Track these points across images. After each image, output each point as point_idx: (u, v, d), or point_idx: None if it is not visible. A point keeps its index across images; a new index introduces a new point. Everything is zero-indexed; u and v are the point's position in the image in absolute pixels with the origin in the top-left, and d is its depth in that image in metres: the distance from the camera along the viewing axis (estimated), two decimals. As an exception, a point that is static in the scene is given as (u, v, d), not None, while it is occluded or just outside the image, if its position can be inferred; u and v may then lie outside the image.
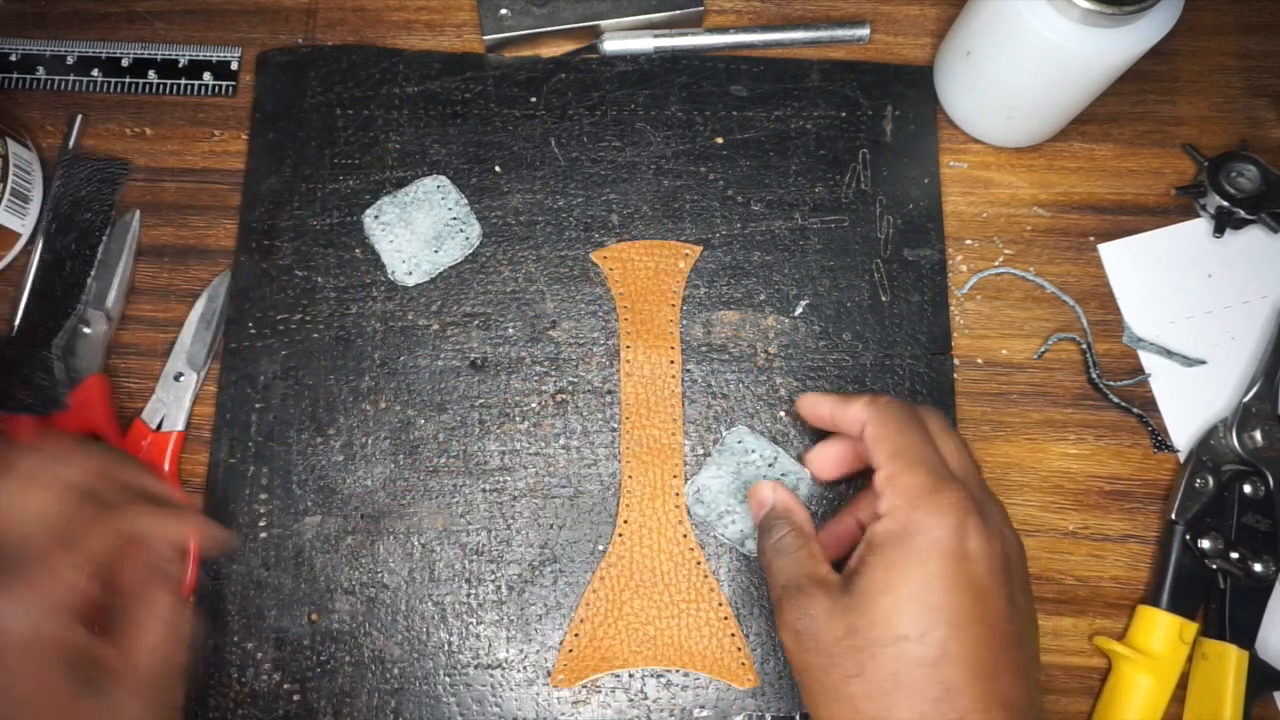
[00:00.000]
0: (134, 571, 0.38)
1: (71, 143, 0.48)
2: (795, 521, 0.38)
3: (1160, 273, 0.48)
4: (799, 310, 0.47)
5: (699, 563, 0.43)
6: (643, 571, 0.43)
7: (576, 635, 0.42)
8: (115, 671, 0.35)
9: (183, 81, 0.49)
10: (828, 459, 0.42)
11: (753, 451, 0.44)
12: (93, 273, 0.45)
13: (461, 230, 0.46)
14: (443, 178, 0.47)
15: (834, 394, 0.41)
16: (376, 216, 0.47)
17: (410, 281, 0.46)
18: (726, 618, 0.43)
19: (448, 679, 0.42)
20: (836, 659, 0.33)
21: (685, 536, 0.43)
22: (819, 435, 0.45)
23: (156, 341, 0.46)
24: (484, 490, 0.44)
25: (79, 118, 0.48)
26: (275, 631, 0.43)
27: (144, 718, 0.36)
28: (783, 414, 0.45)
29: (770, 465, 0.44)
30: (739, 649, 0.42)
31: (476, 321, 0.46)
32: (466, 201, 0.47)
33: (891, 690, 0.32)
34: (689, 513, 0.44)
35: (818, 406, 0.41)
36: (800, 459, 0.44)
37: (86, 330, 0.45)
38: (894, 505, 0.34)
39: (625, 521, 0.43)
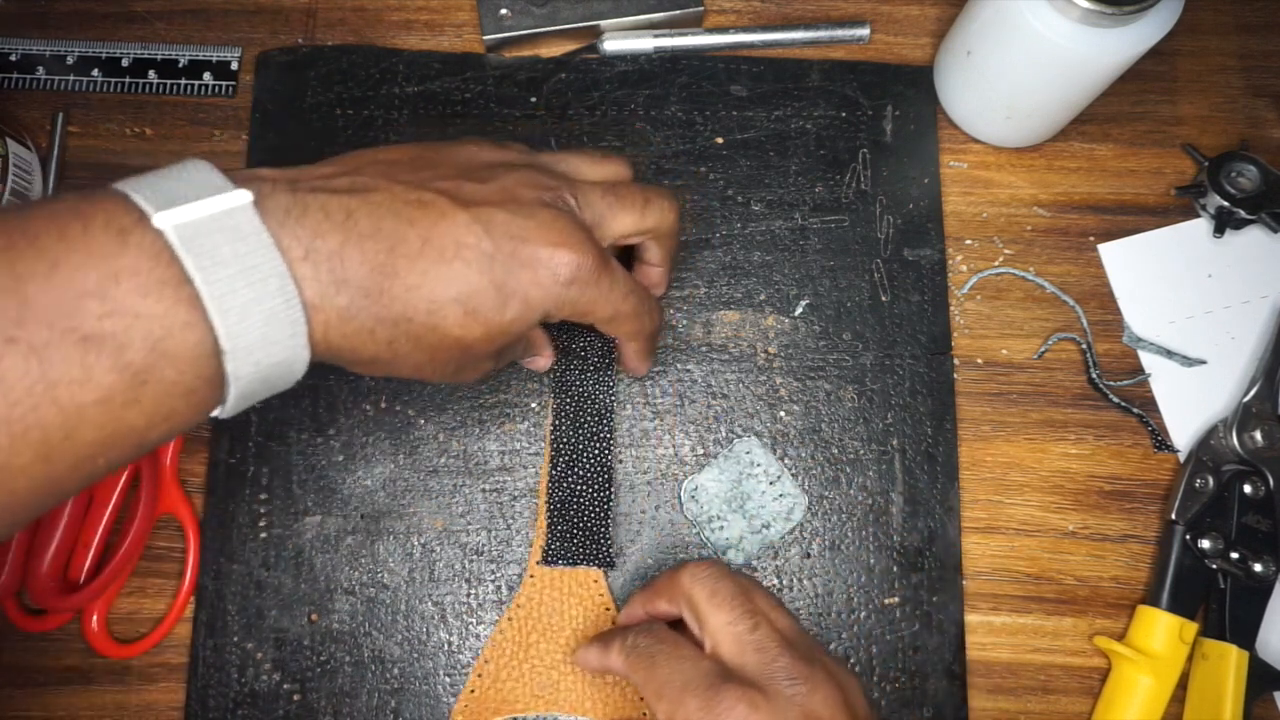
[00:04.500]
0: None
1: (56, 141, 0.48)
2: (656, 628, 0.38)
3: (1160, 273, 0.48)
4: (799, 310, 0.47)
5: (608, 609, 0.43)
6: (551, 616, 0.43)
7: (480, 676, 0.42)
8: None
9: (182, 81, 0.49)
10: (592, 657, 0.39)
11: (758, 465, 0.44)
12: None
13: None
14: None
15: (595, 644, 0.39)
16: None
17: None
18: None
19: (448, 679, 0.42)
20: None
21: (596, 582, 0.43)
22: (816, 439, 0.45)
23: (156, 341, 0.46)
24: (484, 490, 0.44)
25: (60, 116, 0.48)
26: (275, 631, 0.43)
27: (490, 365, 0.36)
28: (782, 414, 0.45)
29: (772, 483, 0.44)
30: (641, 699, 0.42)
31: (476, 321, 0.46)
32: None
33: None
34: (681, 508, 0.44)
35: (587, 657, 0.39)
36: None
37: None
38: (714, 645, 0.34)
39: (538, 563, 0.43)
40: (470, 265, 0.32)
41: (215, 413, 0.30)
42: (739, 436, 0.45)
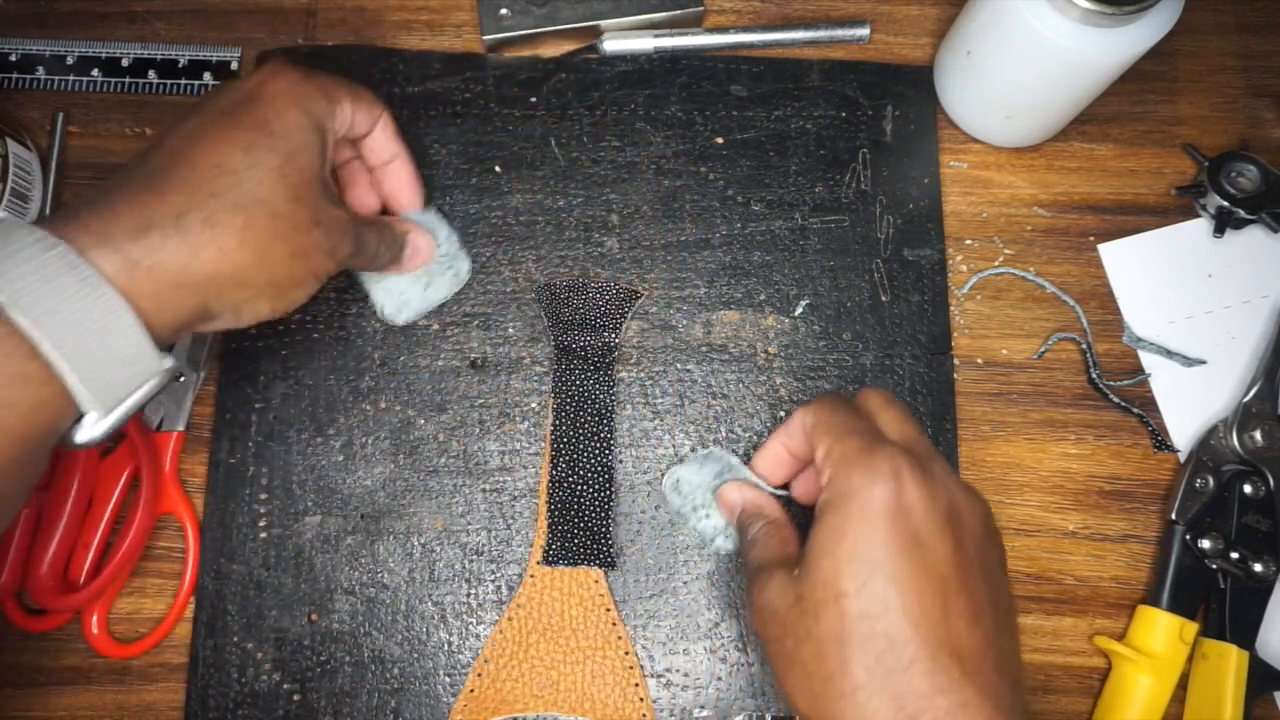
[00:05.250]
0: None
1: (56, 141, 0.48)
2: (766, 515, 0.40)
3: (1160, 273, 0.48)
4: (799, 310, 0.47)
5: (608, 609, 0.43)
6: (551, 616, 0.43)
7: (479, 676, 0.42)
8: (338, 207, 0.38)
9: (182, 81, 0.49)
10: (769, 459, 0.41)
11: (736, 471, 0.43)
12: None
13: (450, 267, 0.46)
14: (431, 212, 0.46)
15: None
16: None
17: (400, 320, 0.45)
18: (631, 667, 0.42)
19: (448, 679, 0.42)
20: (789, 627, 0.34)
21: (597, 582, 0.43)
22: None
23: (156, 341, 0.46)
24: (484, 490, 0.44)
25: (60, 116, 0.48)
26: (275, 631, 0.43)
27: (325, 264, 0.37)
28: (783, 414, 0.45)
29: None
30: (641, 699, 0.42)
31: (476, 321, 0.46)
32: (457, 237, 0.46)
33: (837, 649, 0.32)
34: (666, 499, 0.44)
35: (768, 450, 0.41)
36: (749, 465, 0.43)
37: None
38: (831, 475, 0.35)
39: (538, 562, 0.43)
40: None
41: (89, 422, 0.32)
42: (717, 446, 0.45)
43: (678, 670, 0.43)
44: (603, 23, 0.49)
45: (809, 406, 0.38)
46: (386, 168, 0.43)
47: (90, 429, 0.32)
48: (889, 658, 0.31)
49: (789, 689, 0.34)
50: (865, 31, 0.50)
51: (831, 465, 0.35)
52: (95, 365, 0.31)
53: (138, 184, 0.33)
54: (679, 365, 0.46)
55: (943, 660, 0.31)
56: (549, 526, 0.43)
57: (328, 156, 0.38)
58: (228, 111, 0.35)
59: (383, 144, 0.42)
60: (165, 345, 0.34)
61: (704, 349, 0.46)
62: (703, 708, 0.42)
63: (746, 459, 0.43)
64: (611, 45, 0.49)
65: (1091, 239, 0.48)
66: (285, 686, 0.42)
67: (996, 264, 0.48)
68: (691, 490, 0.43)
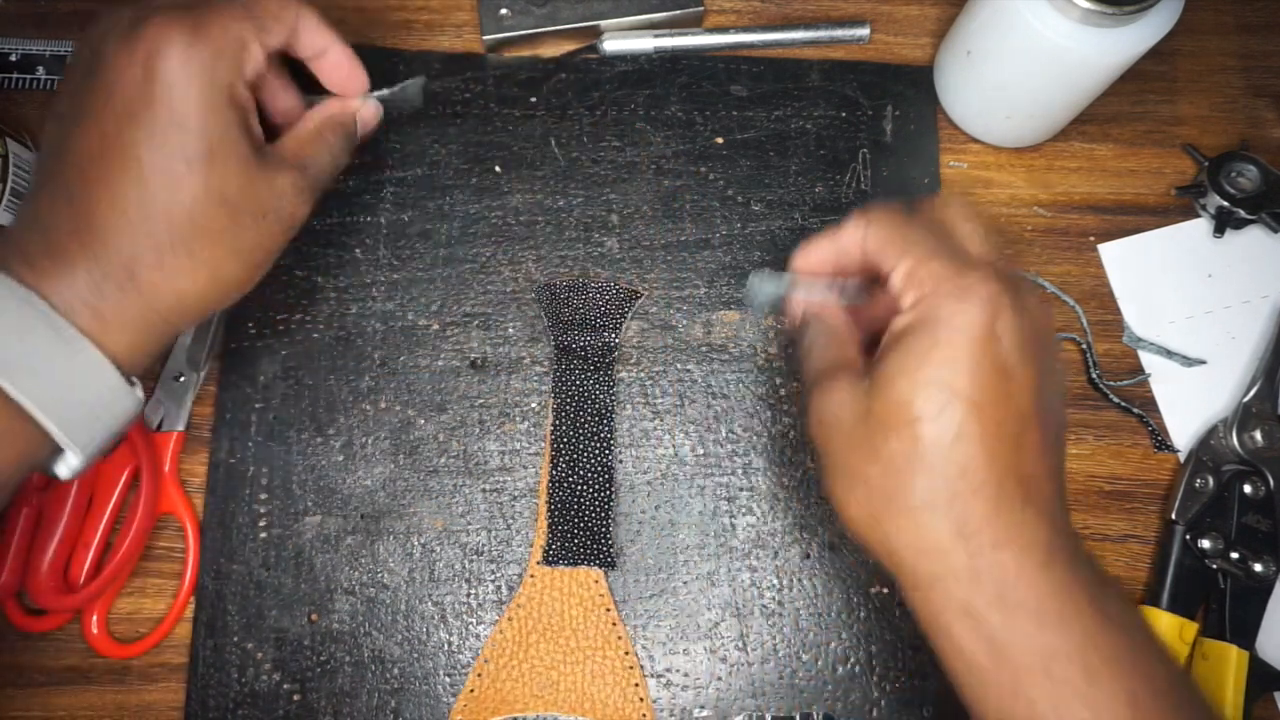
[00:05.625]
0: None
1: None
2: (826, 319, 0.38)
3: (1160, 273, 0.48)
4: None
5: (608, 609, 0.43)
6: (551, 616, 0.43)
7: (479, 676, 0.42)
8: (274, 152, 0.36)
9: (183, 81, 0.49)
10: (813, 263, 0.38)
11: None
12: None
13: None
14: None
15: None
16: None
17: None
18: (632, 667, 0.42)
19: (448, 679, 0.42)
20: (855, 443, 0.33)
21: (597, 582, 0.43)
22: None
23: (156, 341, 0.46)
24: (484, 490, 0.44)
25: None
26: (275, 631, 0.43)
27: (296, 208, 0.36)
28: (783, 414, 0.45)
29: None
30: (641, 699, 0.42)
31: (476, 321, 0.46)
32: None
33: (905, 468, 0.32)
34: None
35: (813, 252, 0.38)
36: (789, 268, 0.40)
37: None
38: (918, 297, 0.33)
39: (538, 562, 0.43)
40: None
41: (70, 458, 0.33)
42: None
43: (678, 670, 0.43)
44: (603, 23, 0.49)
45: (868, 219, 0.35)
46: (321, 60, 0.39)
47: (71, 464, 0.33)
48: (959, 482, 0.31)
49: (845, 505, 0.34)
50: (865, 31, 0.50)
51: (916, 288, 0.33)
52: (76, 415, 0.32)
53: (76, 220, 0.33)
54: (679, 365, 0.46)
55: (1010, 487, 0.31)
56: (549, 526, 0.43)
57: (251, 120, 0.35)
58: (125, 124, 0.33)
59: (309, 41, 0.38)
60: (138, 374, 0.34)
61: (704, 349, 0.46)
62: (703, 708, 0.42)
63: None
64: (611, 45, 0.49)
65: (1091, 239, 0.48)
66: (285, 686, 0.42)
67: (996, 264, 0.48)
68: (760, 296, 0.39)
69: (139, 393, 0.34)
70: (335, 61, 0.39)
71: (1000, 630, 0.31)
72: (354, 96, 0.41)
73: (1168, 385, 0.47)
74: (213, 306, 0.36)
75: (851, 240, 0.36)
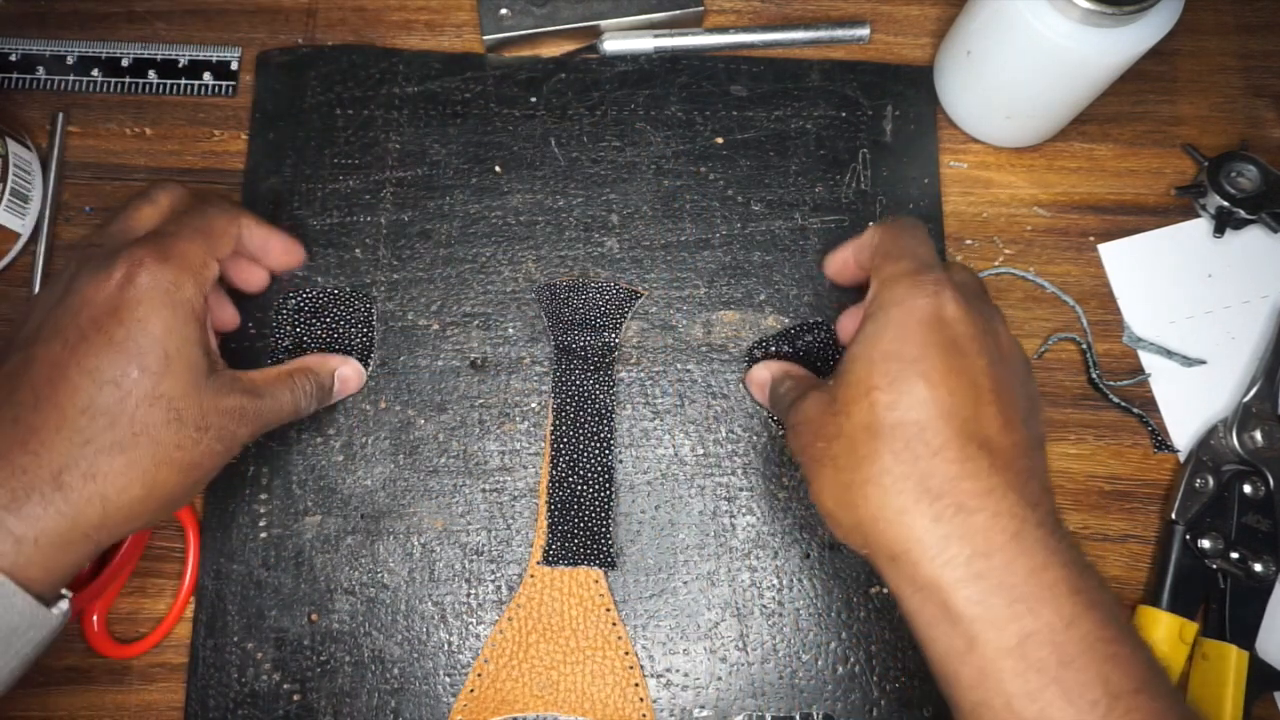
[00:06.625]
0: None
1: (57, 141, 0.48)
2: (794, 374, 0.42)
3: (1160, 273, 0.48)
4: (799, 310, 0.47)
5: (608, 609, 0.43)
6: (551, 616, 0.43)
7: (479, 676, 0.42)
8: (231, 374, 0.37)
9: (183, 81, 0.49)
10: (837, 262, 0.43)
11: None
12: None
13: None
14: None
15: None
16: None
17: None
18: (632, 667, 0.42)
19: (448, 679, 0.42)
20: (821, 430, 0.35)
21: (597, 582, 0.43)
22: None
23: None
24: (484, 490, 0.44)
25: (60, 116, 0.48)
26: (275, 631, 0.43)
27: (239, 428, 0.37)
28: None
29: None
30: (641, 699, 0.42)
31: (476, 321, 0.46)
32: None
33: (867, 439, 0.33)
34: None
35: (836, 256, 0.42)
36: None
37: None
38: (876, 290, 0.35)
39: (538, 562, 0.43)
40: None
41: None
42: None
43: (678, 670, 0.43)
44: (603, 23, 0.49)
45: (881, 226, 0.39)
46: (264, 253, 0.42)
47: None
48: (918, 444, 0.32)
49: (818, 489, 0.35)
50: (865, 31, 0.50)
51: (879, 282, 0.36)
52: None
53: (7, 435, 0.33)
54: (679, 365, 0.46)
55: (971, 450, 0.32)
56: (549, 526, 0.43)
57: (208, 339, 0.37)
58: (90, 331, 0.34)
59: (250, 240, 0.41)
60: (56, 591, 0.34)
61: (704, 349, 0.46)
62: (703, 708, 0.42)
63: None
64: (611, 45, 0.49)
65: (1091, 239, 0.48)
66: (285, 686, 0.42)
67: (996, 264, 0.48)
68: None
69: (62, 607, 0.33)
70: (271, 246, 0.42)
71: (970, 605, 0.31)
72: (296, 266, 0.45)
73: (1168, 385, 0.47)
74: (139, 520, 0.35)
75: (868, 242, 0.39)
